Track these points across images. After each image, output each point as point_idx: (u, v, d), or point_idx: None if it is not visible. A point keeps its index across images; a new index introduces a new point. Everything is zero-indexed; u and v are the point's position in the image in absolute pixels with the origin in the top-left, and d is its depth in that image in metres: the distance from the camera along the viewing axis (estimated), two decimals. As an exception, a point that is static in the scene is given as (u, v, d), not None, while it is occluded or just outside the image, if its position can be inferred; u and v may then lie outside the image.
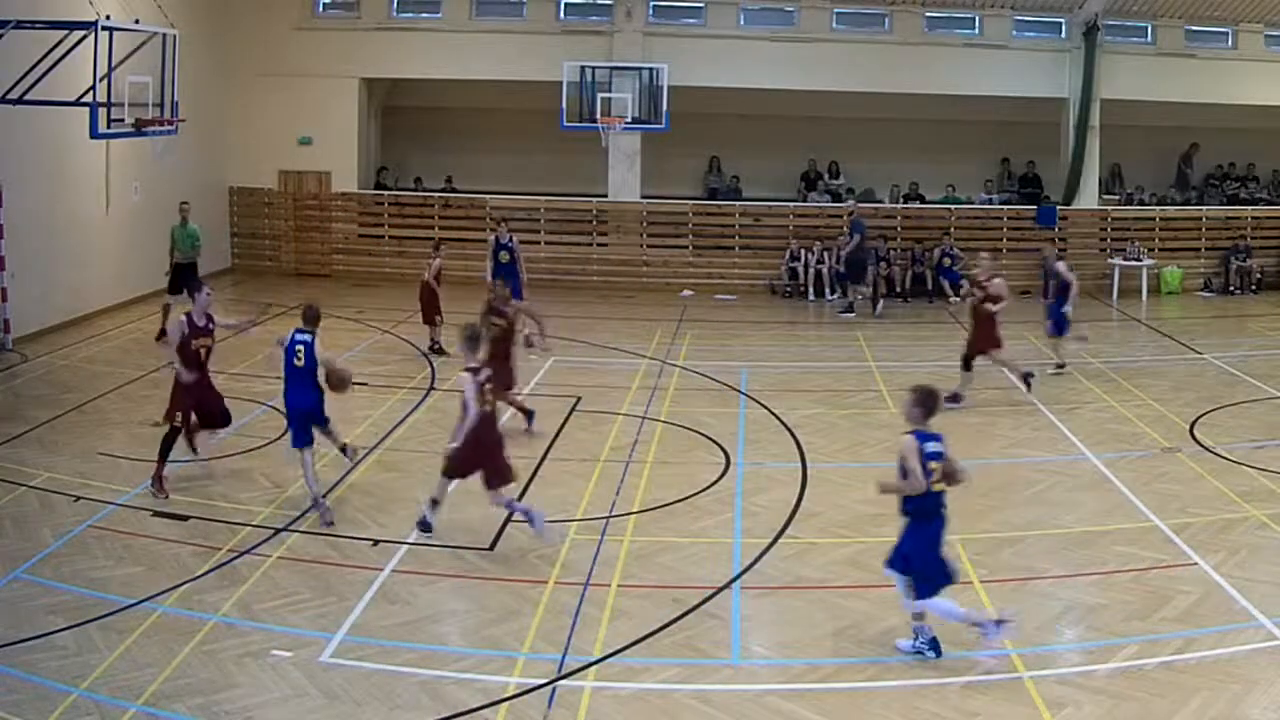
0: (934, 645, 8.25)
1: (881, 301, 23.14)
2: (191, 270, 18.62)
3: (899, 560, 8.26)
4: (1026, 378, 15.49)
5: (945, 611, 8.21)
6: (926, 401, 8.24)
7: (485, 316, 13.73)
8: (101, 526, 10.44)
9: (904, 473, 8.09)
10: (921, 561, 8.16)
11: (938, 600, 8.20)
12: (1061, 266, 17.14)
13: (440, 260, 18.21)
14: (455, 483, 10.52)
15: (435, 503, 10.50)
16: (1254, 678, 7.82)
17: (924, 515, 8.16)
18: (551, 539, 10.20)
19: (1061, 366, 16.93)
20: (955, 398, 14.86)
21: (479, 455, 10.17)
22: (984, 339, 15.40)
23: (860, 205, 25.11)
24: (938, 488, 8.15)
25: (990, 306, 15.26)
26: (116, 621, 8.52)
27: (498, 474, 10.21)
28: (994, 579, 9.59)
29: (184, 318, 11.71)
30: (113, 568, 9.57)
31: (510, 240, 18.52)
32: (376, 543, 10.15)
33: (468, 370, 10.23)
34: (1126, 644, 8.38)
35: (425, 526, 10.46)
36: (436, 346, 17.69)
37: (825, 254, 24.52)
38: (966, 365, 15.43)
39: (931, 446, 8.12)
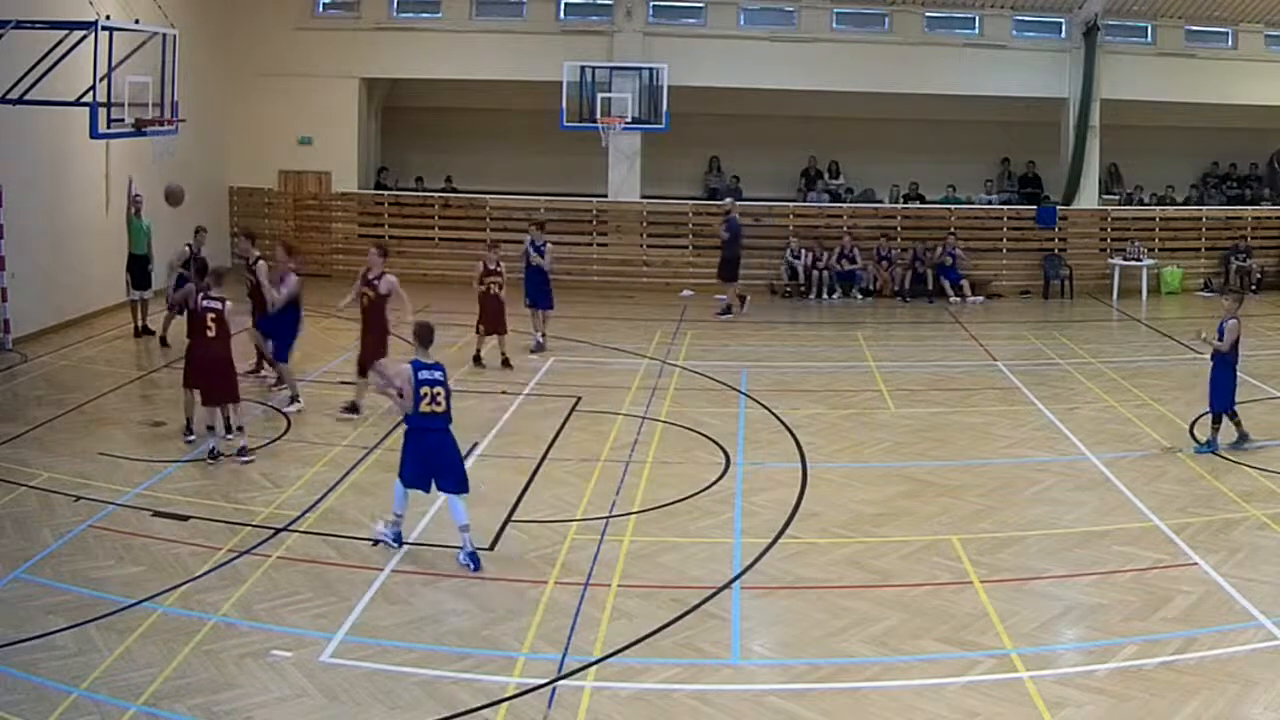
0: (398, 539, 10.02)
1: (748, 301, 22.06)
2: (144, 263, 18.64)
3: (403, 470, 9.92)
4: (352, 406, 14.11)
5: (397, 499, 9.97)
6: (423, 335, 9.95)
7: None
8: (101, 526, 10.43)
9: (400, 394, 9.74)
10: (408, 463, 9.86)
11: (399, 488, 9.93)
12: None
13: (481, 264, 17.09)
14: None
15: (211, 428, 12.48)
16: (1254, 678, 7.81)
17: (420, 430, 9.74)
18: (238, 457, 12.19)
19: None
20: (352, 408, 14.02)
21: (196, 372, 12.50)
22: (373, 345, 13.96)
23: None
24: (428, 409, 9.67)
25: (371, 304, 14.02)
26: (116, 621, 8.51)
27: (210, 394, 12.39)
28: (994, 579, 9.59)
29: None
30: (113, 568, 9.57)
31: (543, 245, 18.21)
32: (376, 543, 10.15)
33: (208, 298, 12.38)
34: (1126, 644, 8.38)
35: (214, 454, 12.31)
36: (476, 356, 16.86)
37: (825, 254, 24.56)
38: (362, 372, 13.92)
39: (425, 374, 9.69)
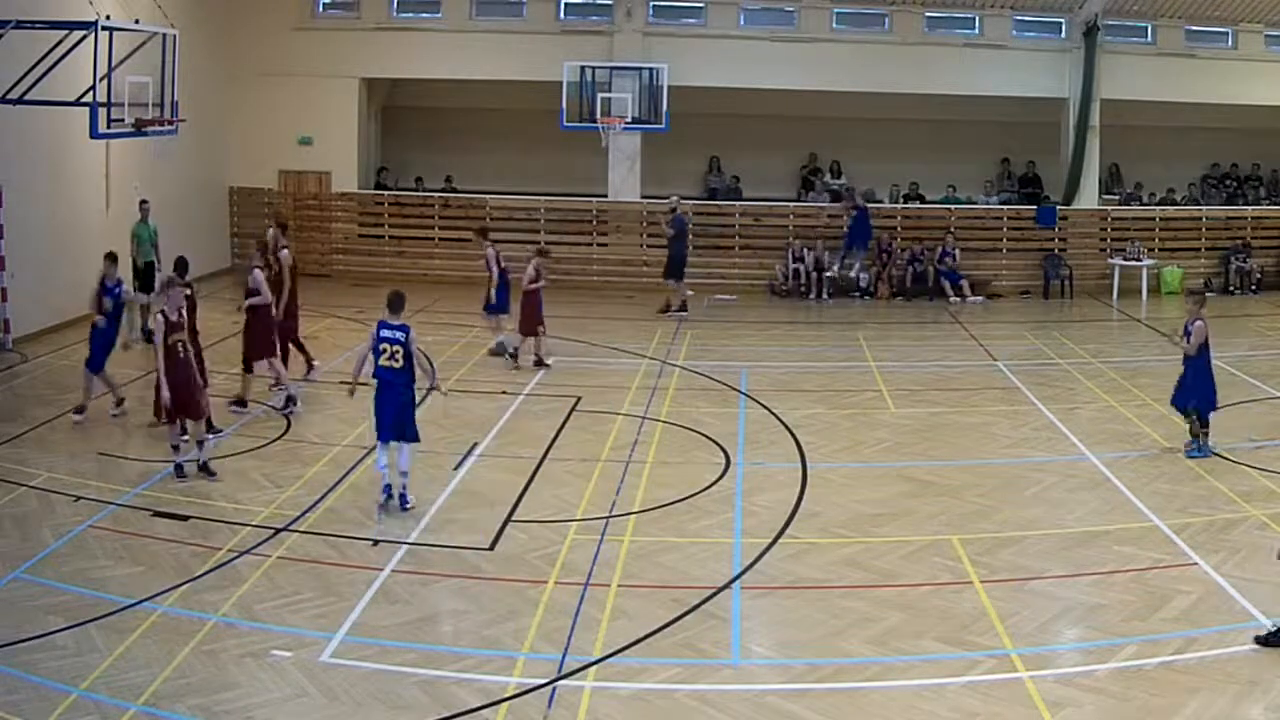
0: (387, 490, 10.88)
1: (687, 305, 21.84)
2: (150, 269, 18.63)
3: (378, 426, 10.93)
4: (291, 399, 14.41)
5: (380, 464, 10.90)
6: (392, 301, 11.11)
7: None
8: (101, 526, 10.44)
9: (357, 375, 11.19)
10: (379, 415, 10.89)
11: (380, 450, 10.87)
12: None
13: (533, 268, 17.10)
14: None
15: (205, 434, 12.27)
16: (1254, 678, 7.82)
17: (383, 383, 10.88)
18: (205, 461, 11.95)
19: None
20: (240, 402, 14.19)
21: (174, 393, 11.80)
22: (254, 342, 14.11)
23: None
24: (386, 364, 10.83)
25: (254, 300, 14.00)
26: (116, 621, 8.51)
27: (186, 410, 12.01)
28: (994, 579, 9.59)
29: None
30: (113, 568, 9.57)
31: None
32: (376, 543, 10.15)
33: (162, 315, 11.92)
34: (1126, 644, 8.38)
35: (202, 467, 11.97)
36: (537, 359, 16.95)
37: (827, 254, 24.54)
38: (248, 368, 14.22)
39: (386, 333, 10.88)
